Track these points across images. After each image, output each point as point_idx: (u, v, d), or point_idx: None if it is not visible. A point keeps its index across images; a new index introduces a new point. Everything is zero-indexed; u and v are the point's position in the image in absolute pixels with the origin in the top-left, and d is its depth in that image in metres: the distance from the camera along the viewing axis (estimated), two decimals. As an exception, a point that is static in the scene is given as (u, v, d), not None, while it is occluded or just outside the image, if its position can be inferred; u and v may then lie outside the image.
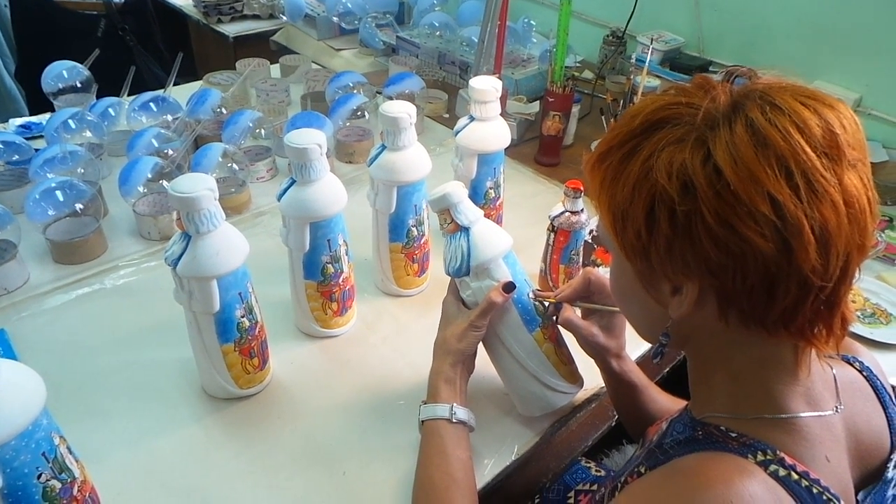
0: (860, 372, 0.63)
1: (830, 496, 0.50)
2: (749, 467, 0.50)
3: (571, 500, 0.95)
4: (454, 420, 0.72)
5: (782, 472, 0.49)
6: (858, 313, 1.08)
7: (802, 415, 0.53)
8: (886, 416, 0.61)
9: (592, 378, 0.89)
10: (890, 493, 0.59)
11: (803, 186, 0.45)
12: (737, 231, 0.46)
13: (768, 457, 0.50)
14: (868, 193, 0.48)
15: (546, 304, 0.79)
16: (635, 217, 0.50)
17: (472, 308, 0.75)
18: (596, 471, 0.99)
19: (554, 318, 0.78)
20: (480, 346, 0.78)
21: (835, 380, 0.58)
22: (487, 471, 0.78)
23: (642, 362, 0.94)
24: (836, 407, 0.56)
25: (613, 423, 0.92)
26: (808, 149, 0.45)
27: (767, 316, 0.49)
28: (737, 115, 0.47)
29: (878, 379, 0.63)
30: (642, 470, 0.59)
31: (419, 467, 0.72)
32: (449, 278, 0.79)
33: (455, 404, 0.73)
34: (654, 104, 0.51)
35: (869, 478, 0.59)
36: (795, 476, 0.49)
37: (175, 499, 0.73)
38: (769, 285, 0.47)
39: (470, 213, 0.75)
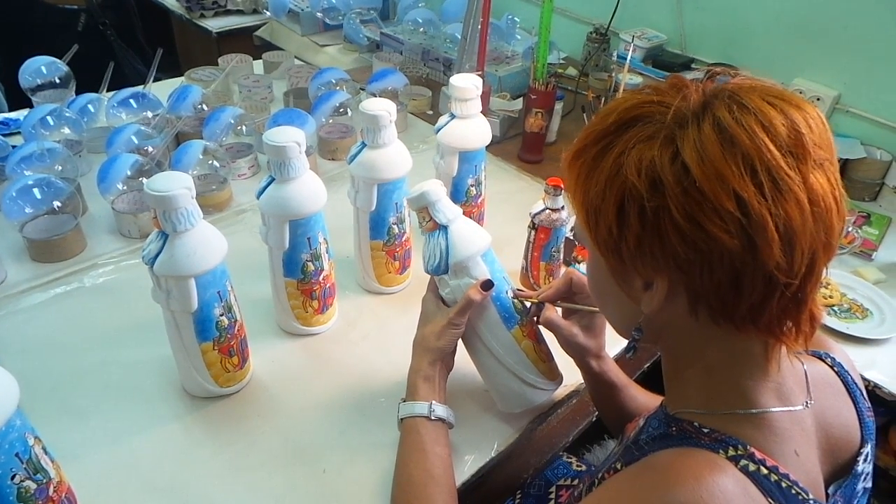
0: (831, 367, 0.64)
1: (799, 490, 0.51)
2: (720, 462, 0.50)
3: (552, 496, 0.96)
4: (433, 417, 0.73)
5: (752, 467, 0.50)
6: (835, 308, 1.10)
7: (773, 410, 0.54)
8: (857, 411, 0.62)
9: (572, 374, 0.90)
10: (860, 486, 0.60)
11: (768, 184, 0.46)
12: (703, 227, 0.47)
13: (739, 452, 0.51)
14: (835, 193, 0.48)
15: (528, 303, 0.79)
16: (607, 213, 0.51)
17: (452, 306, 0.76)
18: (577, 466, 1.00)
19: (535, 317, 0.78)
20: (460, 343, 0.79)
21: (805, 376, 0.59)
22: (468, 467, 0.78)
23: (622, 359, 0.95)
24: (807, 402, 0.57)
25: (594, 419, 0.93)
26: (772, 147, 0.46)
27: (735, 312, 0.50)
28: (706, 114, 0.48)
29: (849, 374, 0.64)
30: (619, 466, 0.59)
31: (398, 465, 0.72)
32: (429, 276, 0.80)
33: (434, 402, 0.74)
34: (627, 102, 0.52)
35: (840, 471, 0.60)
36: (765, 470, 0.50)
37: (154, 498, 0.73)
38: (736, 281, 0.48)
39: (448, 211, 0.75)
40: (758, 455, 0.51)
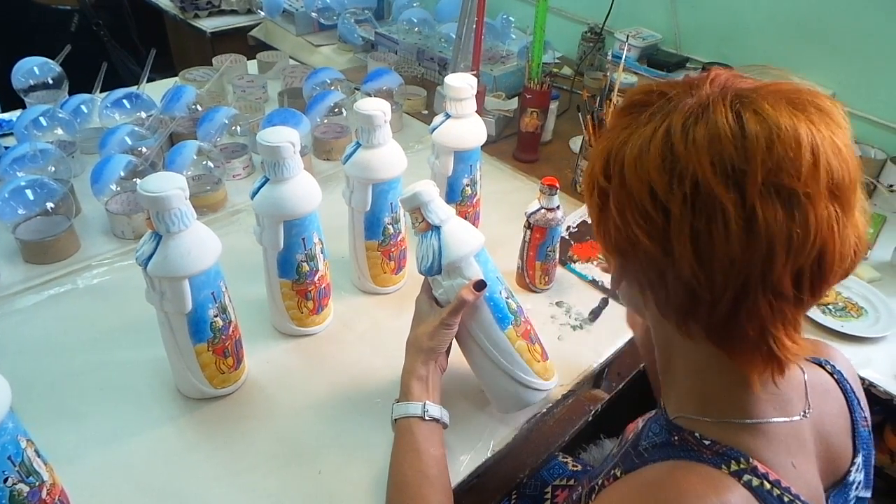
0: (831, 375, 0.63)
1: (801, 503, 0.50)
2: (724, 480, 0.50)
3: (548, 496, 0.96)
4: (427, 417, 0.72)
5: (756, 482, 0.50)
6: (830, 306, 1.10)
7: (771, 420, 0.54)
8: (852, 419, 0.62)
9: (568, 374, 0.90)
10: (852, 494, 0.60)
11: (692, 197, 0.45)
12: (628, 223, 0.49)
13: (741, 465, 0.51)
14: (793, 228, 0.44)
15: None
16: (589, 188, 0.55)
17: (445, 306, 0.75)
18: (573, 466, 1.00)
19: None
20: (455, 343, 0.79)
21: (805, 384, 0.58)
22: (463, 467, 0.78)
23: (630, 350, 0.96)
24: (804, 411, 0.56)
25: (590, 418, 0.93)
26: (707, 163, 0.45)
27: (669, 311, 0.51)
28: (669, 115, 0.48)
29: (848, 383, 0.63)
30: (618, 473, 0.59)
31: (392, 466, 0.72)
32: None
33: (427, 402, 0.73)
34: (639, 88, 0.53)
35: (837, 481, 0.60)
36: (768, 485, 0.50)
37: (148, 500, 0.72)
38: (661, 281, 0.50)
39: (441, 211, 0.75)
40: (760, 469, 0.51)
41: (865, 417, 0.63)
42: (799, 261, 0.45)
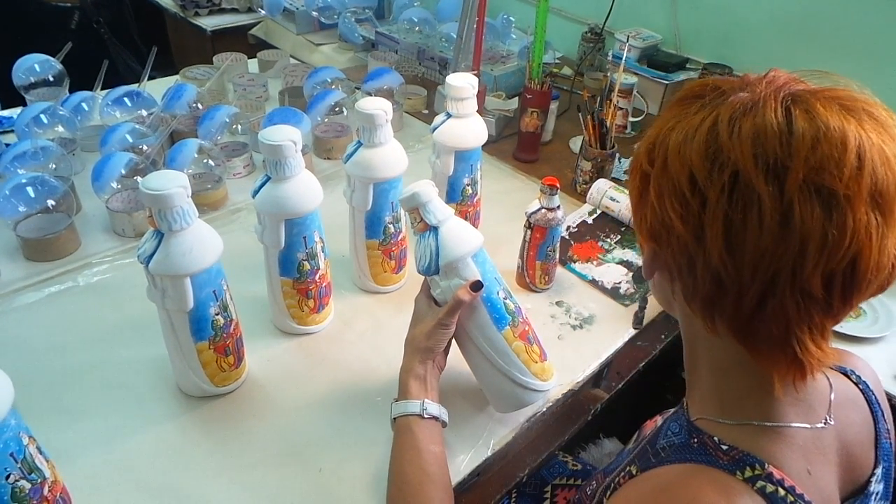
0: (856, 385, 0.63)
1: None
2: (736, 487, 0.50)
3: (548, 495, 0.96)
4: (425, 415, 0.72)
5: (770, 489, 0.50)
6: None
7: (791, 425, 0.54)
8: (875, 431, 0.62)
9: (567, 374, 0.90)
10: None
11: (730, 188, 0.46)
12: (665, 207, 0.49)
13: (756, 472, 0.51)
14: (828, 229, 0.44)
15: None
16: (632, 172, 0.56)
17: (443, 306, 0.76)
18: (573, 465, 1.00)
19: None
20: (454, 343, 0.79)
21: (830, 392, 0.58)
22: (463, 466, 0.78)
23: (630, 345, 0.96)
24: (826, 419, 0.56)
25: (589, 417, 0.93)
26: (749, 154, 0.45)
27: (695, 300, 0.52)
28: (718, 107, 0.49)
29: (872, 393, 0.63)
30: (633, 470, 0.59)
31: (392, 464, 0.72)
32: (424, 275, 0.80)
33: (426, 400, 0.73)
34: (695, 83, 0.54)
35: (858, 490, 0.60)
36: (782, 492, 0.50)
37: (149, 497, 0.72)
38: (690, 267, 0.50)
39: (439, 212, 0.75)
40: (776, 475, 0.51)
41: (888, 430, 0.63)
42: (831, 263, 0.45)
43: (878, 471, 0.60)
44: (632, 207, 0.57)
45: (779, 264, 0.45)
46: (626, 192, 1.20)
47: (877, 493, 0.60)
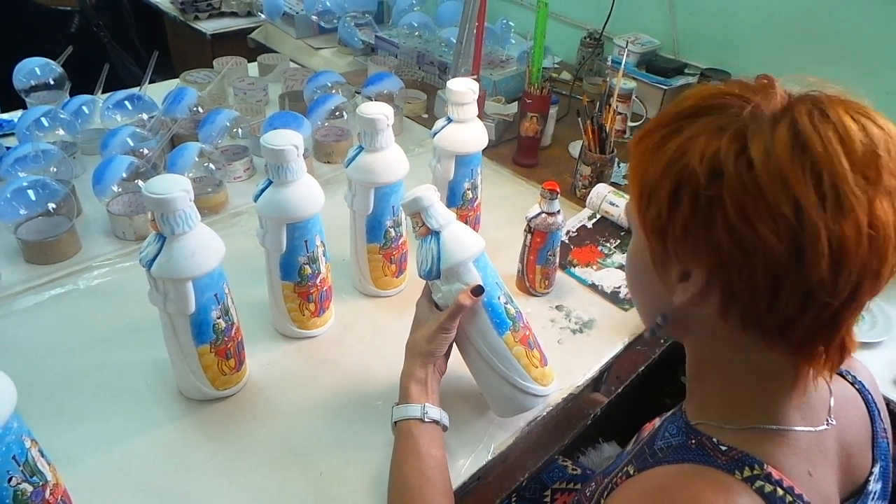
0: (852, 385, 0.64)
1: None
2: (734, 486, 0.50)
3: (548, 499, 0.97)
4: (426, 419, 0.73)
5: (768, 489, 0.50)
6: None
7: (795, 428, 0.54)
8: (872, 431, 0.62)
9: (567, 379, 0.90)
10: None
11: (830, 197, 0.44)
12: (753, 226, 0.46)
13: (755, 472, 0.51)
14: None
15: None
16: (661, 194, 0.51)
17: (444, 310, 0.76)
18: (573, 469, 1.00)
19: None
20: (455, 347, 0.79)
21: (830, 395, 0.59)
22: (464, 470, 0.78)
23: (632, 347, 0.96)
24: (827, 421, 0.56)
25: (589, 422, 0.93)
26: (844, 162, 0.44)
27: (767, 321, 0.49)
28: (784, 116, 0.47)
29: (869, 394, 0.64)
30: (630, 471, 0.59)
31: (393, 468, 0.72)
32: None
33: (427, 403, 0.74)
34: (709, 91, 0.52)
35: (856, 490, 0.60)
36: (781, 492, 0.50)
37: (150, 501, 0.72)
38: (774, 288, 0.47)
39: (440, 216, 0.75)
40: (775, 475, 0.51)
41: (885, 429, 0.63)
42: None
43: (876, 470, 0.61)
44: (673, 239, 0.51)
45: (866, 269, 0.46)
46: (626, 196, 1.20)
47: (875, 493, 0.61)
